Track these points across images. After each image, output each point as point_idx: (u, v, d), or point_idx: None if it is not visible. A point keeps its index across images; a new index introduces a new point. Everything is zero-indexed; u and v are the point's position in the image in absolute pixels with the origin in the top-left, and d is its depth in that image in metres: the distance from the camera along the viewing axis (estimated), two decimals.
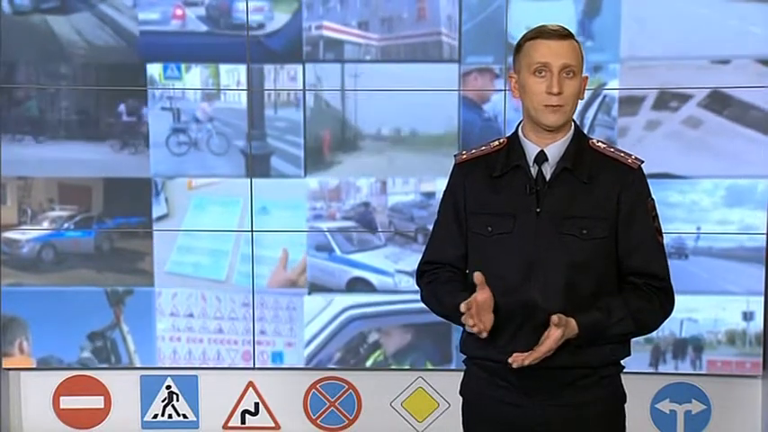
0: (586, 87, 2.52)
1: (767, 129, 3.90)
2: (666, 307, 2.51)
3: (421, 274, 2.64)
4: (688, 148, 3.91)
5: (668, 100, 3.93)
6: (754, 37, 3.86)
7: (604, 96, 3.95)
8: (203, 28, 4.03)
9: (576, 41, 2.46)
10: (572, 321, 2.37)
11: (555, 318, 2.33)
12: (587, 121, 3.91)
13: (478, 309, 2.36)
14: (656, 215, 2.52)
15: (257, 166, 4.07)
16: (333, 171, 4.07)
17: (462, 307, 2.35)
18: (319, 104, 4.03)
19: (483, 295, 2.37)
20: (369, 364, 4.16)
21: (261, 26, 4.00)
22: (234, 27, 4.00)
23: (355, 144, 4.04)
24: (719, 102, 3.90)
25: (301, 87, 4.03)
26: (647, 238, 2.48)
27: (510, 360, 2.36)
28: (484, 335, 2.39)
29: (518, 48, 2.49)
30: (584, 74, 2.49)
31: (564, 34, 2.44)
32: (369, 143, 4.04)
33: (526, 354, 2.36)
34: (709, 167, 3.92)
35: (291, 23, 4.00)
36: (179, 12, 4.02)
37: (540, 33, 2.44)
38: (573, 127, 2.51)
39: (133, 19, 4.01)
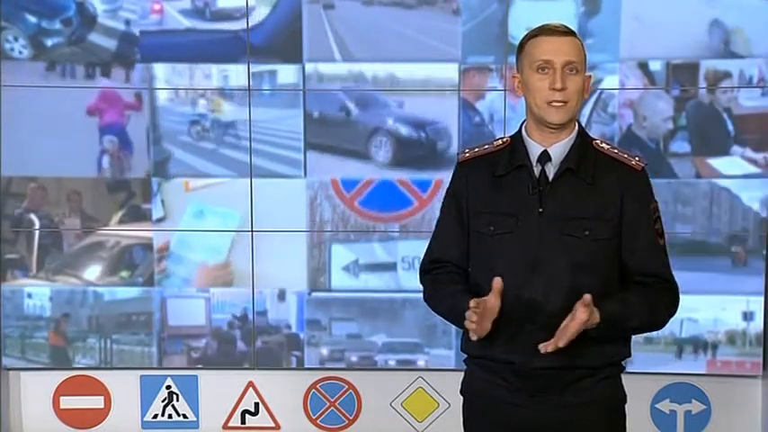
0: (590, 86, 2.52)
1: None
2: (673, 305, 2.51)
3: (423, 273, 2.63)
4: None
5: None
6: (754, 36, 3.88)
7: (600, 93, 3.96)
8: (184, 24, 4.04)
9: (579, 39, 2.46)
10: (596, 310, 2.34)
11: (587, 297, 2.29)
12: (584, 119, 3.91)
13: (484, 312, 2.35)
14: (659, 217, 2.52)
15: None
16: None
17: (472, 303, 2.33)
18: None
19: (495, 302, 2.35)
20: (370, 360, 4.17)
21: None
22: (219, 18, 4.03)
23: None
24: None
25: (300, 87, 4.04)
26: (649, 241, 2.47)
27: (542, 350, 2.33)
28: (474, 337, 2.38)
29: (520, 47, 2.49)
30: (587, 73, 2.49)
31: (566, 31, 2.44)
32: None
33: (552, 340, 2.32)
34: None
35: (271, 17, 4.01)
36: (156, 7, 4.03)
37: (542, 31, 2.45)
38: (577, 127, 2.50)
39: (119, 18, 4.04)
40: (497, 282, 2.35)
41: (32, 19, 4.03)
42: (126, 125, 4.07)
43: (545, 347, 2.33)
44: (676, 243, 3.83)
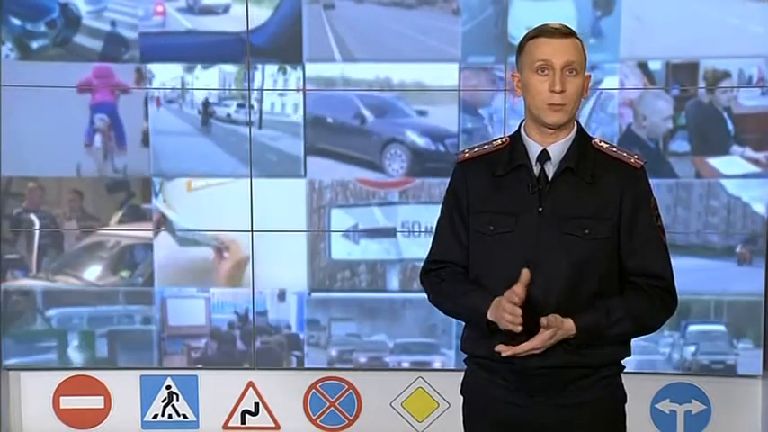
0: (589, 86, 2.52)
1: None
2: (669, 307, 2.51)
3: (426, 274, 2.63)
4: None
5: None
6: (754, 36, 3.87)
7: (600, 93, 3.96)
8: (186, 24, 4.04)
9: (579, 39, 2.46)
10: (568, 322, 2.37)
11: (543, 320, 2.33)
12: (583, 119, 3.91)
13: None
14: (659, 215, 2.52)
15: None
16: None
17: (513, 299, 2.33)
18: None
19: (522, 293, 2.35)
20: (371, 360, 4.16)
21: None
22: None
23: None
24: None
25: (300, 87, 4.04)
26: (649, 239, 2.48)
27: (496, 348, 2.37)
28: (519, 328, 2.35)
29: (520, 47, 2.49)
30: (587, 72, 2.49)
31: (566, 32, 2.44)
32: None
33: (512, 346, 2.36)
34: None
35: (273, 19, 4.01)
36: (159, 8, 4.03)
37: (542, 32, 2.45)
38: (576, 126, 2.51)
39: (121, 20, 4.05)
40: (526, 273, 2.35)
41: (17, 21, 4.04)
42: (117, 107, 4.09)
43: (504, 350, 2.36)
44: (676, 243, 3.83)
